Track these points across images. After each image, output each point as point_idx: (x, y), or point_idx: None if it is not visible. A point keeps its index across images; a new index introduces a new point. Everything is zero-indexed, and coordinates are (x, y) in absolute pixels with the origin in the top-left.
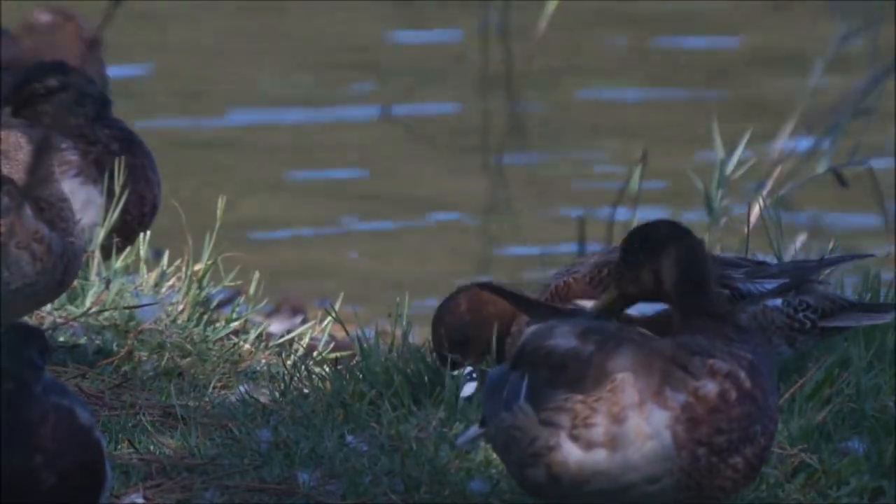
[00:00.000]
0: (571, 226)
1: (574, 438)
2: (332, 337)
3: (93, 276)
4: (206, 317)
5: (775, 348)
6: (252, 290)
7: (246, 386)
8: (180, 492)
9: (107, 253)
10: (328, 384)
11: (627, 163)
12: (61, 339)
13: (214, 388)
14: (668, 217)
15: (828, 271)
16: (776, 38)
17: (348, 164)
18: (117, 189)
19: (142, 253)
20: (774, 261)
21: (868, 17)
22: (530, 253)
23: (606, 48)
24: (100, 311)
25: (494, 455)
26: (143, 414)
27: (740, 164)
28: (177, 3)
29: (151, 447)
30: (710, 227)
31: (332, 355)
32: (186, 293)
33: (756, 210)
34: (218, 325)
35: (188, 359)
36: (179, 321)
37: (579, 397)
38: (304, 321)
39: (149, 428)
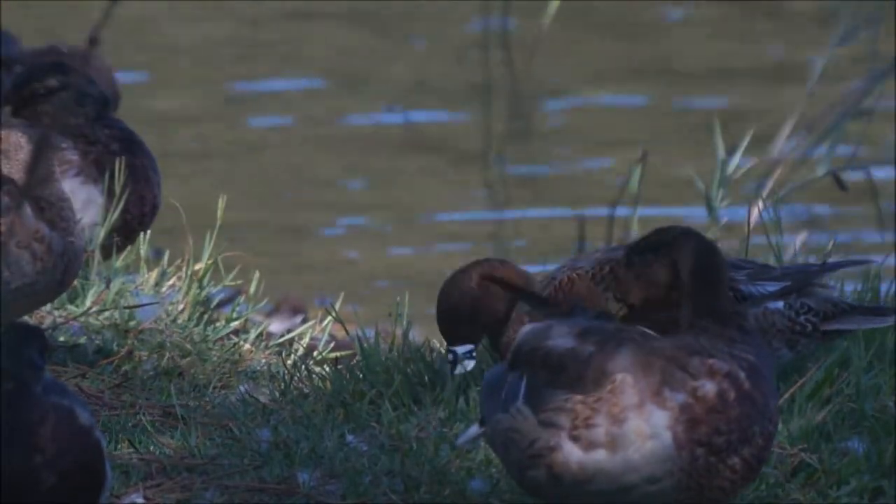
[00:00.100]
0: (571, 226)
1: (574, 439)
2: (332, 337)
3: (93, 276)
4: (206, 316)
5: (775, 351)
6: (252, 289)
7: (246, 386)
8: (180, 492)
9: (107, 253)
10: (328, 384)
11: (628, 165)
12: (61, 339)
13: (214, 388)
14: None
15: (831, 276)
16: (776, 49)
17: (348, 164)
18: (117, 189)
19: (142, 253)
20: (775, 263)
21: (867, 17)
22: (531, 251)
23: (608, 52)
24: (100, 311)
25: (494, 455)
26: (143, 414)
27: (740, 165)
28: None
29: (151, 447)
30: (709, 228)
31: (333, 355)
32: (187, 293)
33: (756, 211)
34: (218, 324)
35: (188, 359)
36: (179, 321)
37: (579, 398)
38: (304, 321)
39: (149, 428)
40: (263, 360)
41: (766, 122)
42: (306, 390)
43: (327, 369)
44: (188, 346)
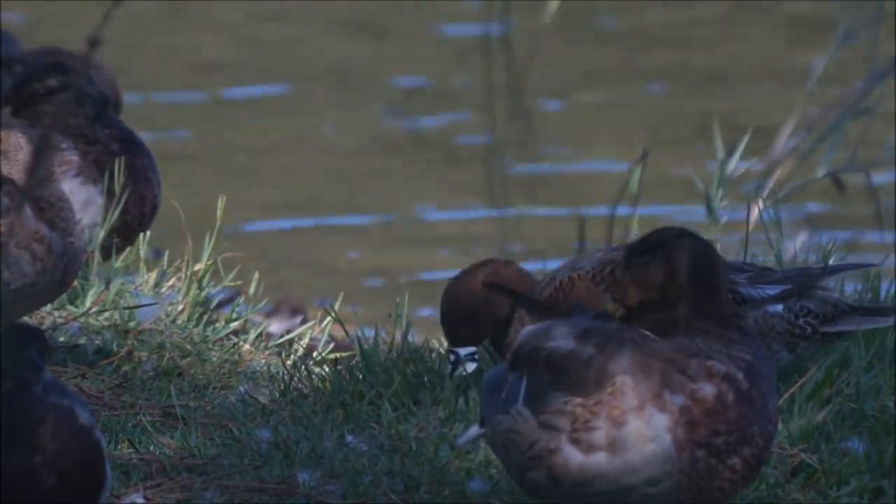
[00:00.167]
0: (571, 225)
1: (574, 442)
2: (331, 337)
3: (93, 276)
4: (206, 317)
5: (775, 354)
6: (252, 290)
7: (246, 386)
8: (180, 492)
9: (107, 253)
10: (328, 384)
11: (628, 163)
12: (61, 339)
13: (214, 388)
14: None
15: (832, 279)
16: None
17: (348, 164)
18: (117, 189)
19: (142, 253)
20: (775, 265)
21: (868, 19)
22: (532, 250)
23: (609, 51)
24: (100, 311)
25: (494, 455)
26: (143, 414)
27: (740, 163)
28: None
29: (151, 447)
30: (709, 228)
31: (332, 355)
32: (186, 293)
33: (756, 211)
34: (218, 325)
35: (188, 359)
36: (179, 321)
37: (579, 400)
38: (303, 321)
39: (149, 428)
40: (263, 361)
41: (766, 123)
42: (306, 391)
43: (327, 370)
44: (188, 346)
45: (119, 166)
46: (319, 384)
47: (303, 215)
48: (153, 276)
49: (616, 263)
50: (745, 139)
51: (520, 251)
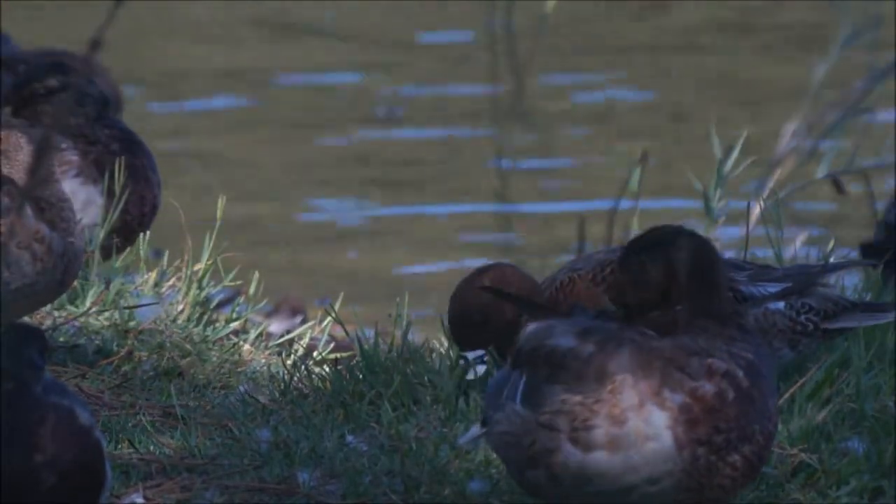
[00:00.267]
0: (572, 224)
1: (574, 441)
2: (331, 337)
3: (93, 276)
4: (205, 317)
5: (777, 352)
6: (252, 290)
7: (246, 386)
8: (180, 492)
9: (107, 253)
10: (328, 384)
11: (629, 161)
12: (61, 339)
13: (214, 388)
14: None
15: (832, 277)
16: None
17: (348, 164)
18: (117, 189)
19: (142, 253)
20: (776, 263)
21: (870, 19)
22: (533, 246)
23: (611, 49)
24: (100, 311)
25: (494, 455)
26: (143, 414)
27: (738, 163)
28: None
29: (151, 447)
30: (708, 228)
31: (332, 355)
32: (186, 293)
33: (756, 211)
34: (218, 325)
35: (188, 359)
36: (179, 321)
37: (578, 399)
38: (303, 321)
39: (149, 428)
40: (263, 361)
41: (766, 123)
42: (306, 391)
43: (327, 370)
44: (188, 346)
45: (119, 166)
46: (319, 384)
47: (302, 215)
48: (153, 275)
49: (615, 263)
50: (742, 139)
51: (521, 249)
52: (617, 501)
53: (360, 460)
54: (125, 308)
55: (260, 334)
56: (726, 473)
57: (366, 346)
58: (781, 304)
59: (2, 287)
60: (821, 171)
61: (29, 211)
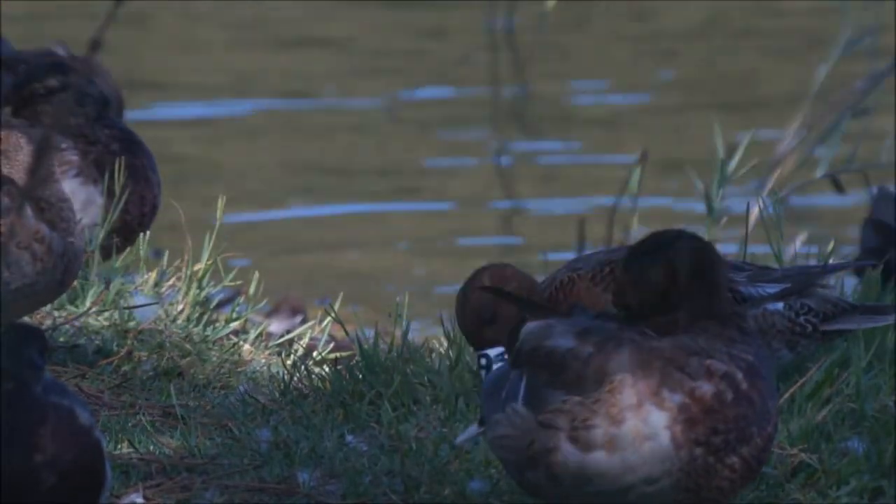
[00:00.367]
0: (572, 223)
1: (573, 440)
2: (331, 337)
3: (93, 276)
4: (205, 317)
5: (776, 353)
6: (252, 290)
7: (246, 386)
8: (180, 492)
9: (107, 253)
10: (328, 384)
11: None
12: (61, 339)
13: (214, 388)
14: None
15: (832, 278)
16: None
17: (348, 164)
18: (117, 189)
19: (142, 253)
20: (776, 264)
21: (872, 21)
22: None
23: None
24: (100, 311)
25: (494, 455)
26: (143, 414)
27: (741, 162)
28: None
29: (151, 447)
30: (709, 227)
31: (332, 355)
32: (186, 293)
33: (756, 210)
34: (218, 324)
35: (188, 359)
36: (179, 321)
37: (577, 399)
38: (303, 321)
39: (149, 428)
40: (263, 361)
41: (767, 123)
42: (306, 391)
43: (327, 370)
44: (188, 346)
45: (119, 166)
46: (319, 384)
47: (302, 215)
48: (153, 275)
49: (615, 263)
50: (747, 140)
51: (521, 248)
52: (616, 501)
53: (360, 460)
54: (125, 308)
55: (260, 334)
56: (724, 475)
57: (366, 346)
58: (780, 305)
59: (2, 287)
60: (820, 171)
61: (29, 211)
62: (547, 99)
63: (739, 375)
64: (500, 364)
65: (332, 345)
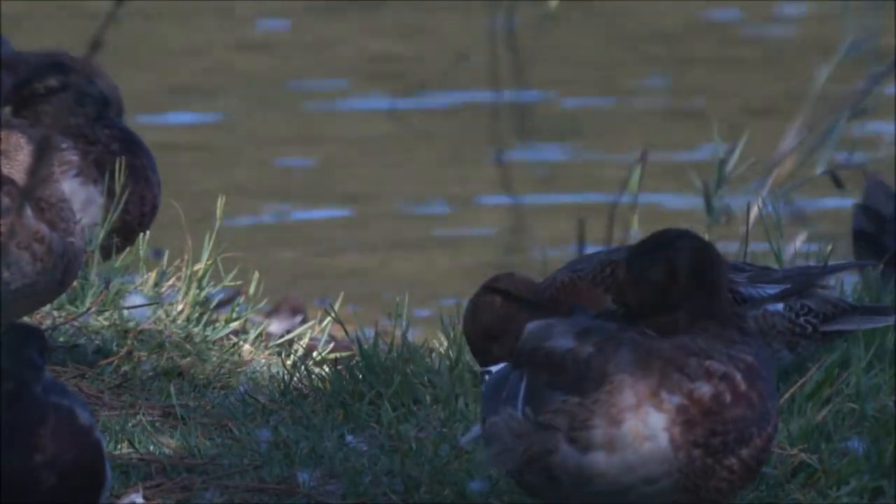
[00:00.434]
0: (573, 223)
1: (572, 441)
2: (331, 337)
3: (93, 276)
4: (205, 317)
5: (776, 353)
6: (252, 290)
7: (246, 386)
8: (180, 492)
9: (107, 253)
10: (328, 384)
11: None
12: (61, 339)
13: (214, 388)
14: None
15: (831, 278)
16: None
17: (348, 165)
18: (117, 189)
19: (142, 253)
20: (775, 264)
21: (873, 24)
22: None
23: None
24: (100, 311)
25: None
26: (143, 414)
27: (740, 162)
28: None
29: (151, 447)
30: (709, 228)
31: (332, 355)
32: (186, 293)
33: (755, 210)
34: (218, 325)
35: (188, 359)
36: (179, 321)
37: (577, 399)
38: (303, 321)
39: (149, 428)
40: (263, 361)
41: (767, 124)
42: (306, 391)
43: (327, 370)
44: (188, 346)
45: (119, 166)
46: (319, 384)
47: (303, 215)
48: (153, 275)
49: (616, 264)
50: (744, 139)
51: (524, 248)
52: (615, 501)
53: (360, 460)
54: (125, 308)
55: (260, 334)
56: (723, 476)
57: (366, 346)
58: (781, 306)
59: (2, 287)
60: (819, 168)
61: (29, 211)
62: (547, 100)
63: (738, 376)
64: None
65: (332, 345)
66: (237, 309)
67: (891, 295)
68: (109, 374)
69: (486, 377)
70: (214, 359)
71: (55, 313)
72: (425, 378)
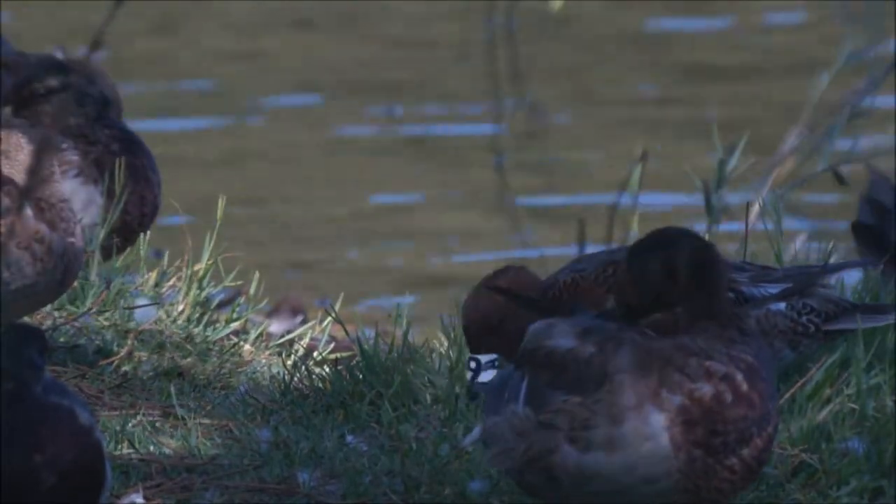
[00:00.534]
0: (574, 224)
1: (573, 441)
2: (331, 337)
3: (93, 276)
4: (206, 317)
5: (778, 353)
6: (252, 290)
7: (246, 386)
8: (180, 492)
9: (107, 253)
10: (328, 384)
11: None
12: (61, 339)
13: (214, 388)
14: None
15: (832, 277)
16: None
17: (347, 164)
18: (117, 189)
19: (142, 253)
20: (776, 264)
21: (875, 30)
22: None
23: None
24: (100, 311)
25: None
26: (144, 414)
27: (740, 164)
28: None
29: (151, 447)
30: (709, 228)
31: (333, 355)
32: (186, 293)
33: (755, 210)
34: (218, 325)
35: (188, 359)
36: (179, 321)
37: (578, 399)
38: (303, 321)
39: (149, 428)
40: (263, 361)
41: (768, 124)
42: (306, 391)
43: (327, 370)
44: (188, 346)
45: (119, 166)
46: (319, 384)
47: (303, 215)
48: (153, 276)
49: (618, 264)
50: (745, 139)
51: (525, 243)
52: (615, 502)
53: (360, 460)
54: (125, 308)
55: (260, 334)
56: (724, 476)
57: (366, 346)
58: (783, 306)
59: (2, 287)
60: (820, 165)
61: (29, 211)
62: (548, 99)
63: (739, 376)
64: (489, 370)
65: (332, 345)
66: (237, 309)
67: (891, 294)
68: (110, 374)
69: (472, 364)
70: (215, 359)
71: (56, 313)
72: (425, 378)
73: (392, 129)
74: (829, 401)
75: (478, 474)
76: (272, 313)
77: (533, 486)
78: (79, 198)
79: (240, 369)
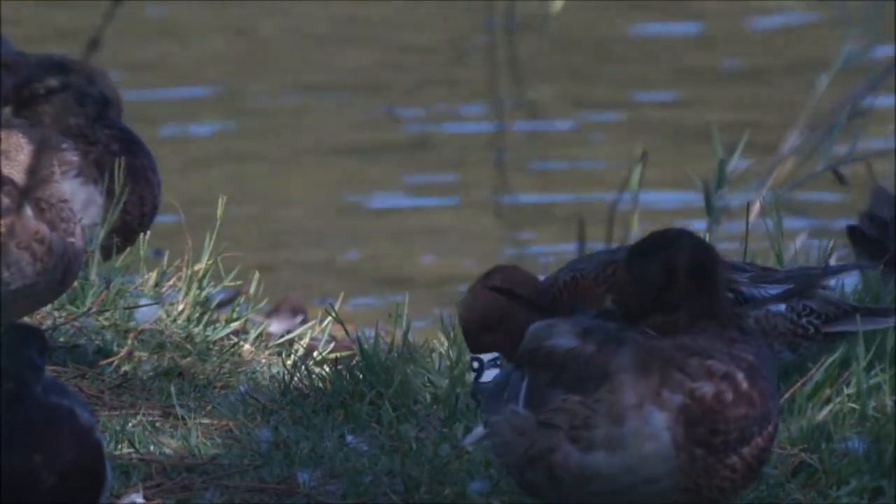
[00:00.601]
0: (573, 224)
1: (573, 440)
2: (331, 337)
3: (93, 276)
4: (205, 317)
5: (777, 354)
6: (252, 290)
7: (246, 386)
8: (180, 492)
9: (107, 253)
10: (328, 384)
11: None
12: (61, 339)
13: (214, 388)
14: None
15: (833, 279)
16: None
17: (347, 164)
18: (117, 189)
19: (142, 253)
20: (776, 265)
21: (873, 30)
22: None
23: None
24: (100, 311)
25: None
26: (144, 414)
27: (740, 163)
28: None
29: (151, 447)
30: (709, 228)
31: (333, 355)
32: (186, 293)
33: (755, 210)
34: (218, 325)
35: (188, 359)
36: (179, 321)
37: (578, 398)
38: (303, 321)
39: (149, 428)
40: (263, 361)
41: (768, 123)
42: (306, 391)
43: (327, 370)
44: (188, 346)
45: (119, 166)
46: (320, 384)
47: (303, 215)
48: (153, 276)
49: (618, 264)
50: (744, 139)
51: (523, 246)
52: (616, 501)
53: (360, 460)
54: (125, 308)
55: (260, 334)
56: (724, 475)
57: (366, 346)
58: (783, 307)
59: (2, 287)
60: (820, 164)
61: (29, 211)
62: (548, 99)
63: (740, 376)
64: (492, 369)
65: (332, 345)
66: (237, 309)
67: (891, 296)
68: (110, 374)
69: (475, 364)
70: (215, 359)
71: (56, 313)
72: (425, 378)
73: (392, 130)
74: (829, 401)
75: (478, 474)
76: (272, 313)
77: (533, 486)
78: (79, 198)
79: (240, 369)
